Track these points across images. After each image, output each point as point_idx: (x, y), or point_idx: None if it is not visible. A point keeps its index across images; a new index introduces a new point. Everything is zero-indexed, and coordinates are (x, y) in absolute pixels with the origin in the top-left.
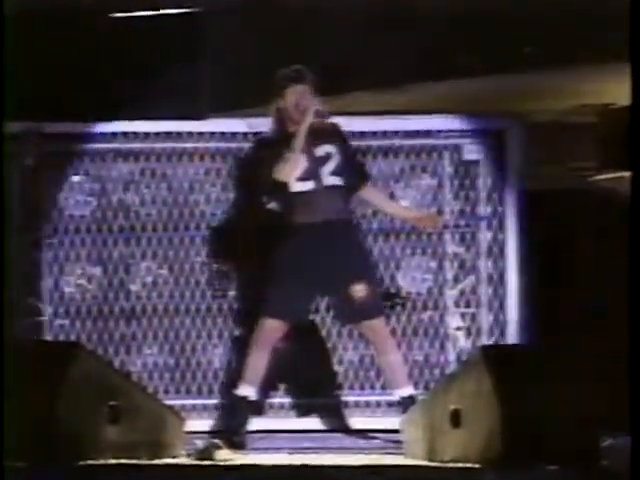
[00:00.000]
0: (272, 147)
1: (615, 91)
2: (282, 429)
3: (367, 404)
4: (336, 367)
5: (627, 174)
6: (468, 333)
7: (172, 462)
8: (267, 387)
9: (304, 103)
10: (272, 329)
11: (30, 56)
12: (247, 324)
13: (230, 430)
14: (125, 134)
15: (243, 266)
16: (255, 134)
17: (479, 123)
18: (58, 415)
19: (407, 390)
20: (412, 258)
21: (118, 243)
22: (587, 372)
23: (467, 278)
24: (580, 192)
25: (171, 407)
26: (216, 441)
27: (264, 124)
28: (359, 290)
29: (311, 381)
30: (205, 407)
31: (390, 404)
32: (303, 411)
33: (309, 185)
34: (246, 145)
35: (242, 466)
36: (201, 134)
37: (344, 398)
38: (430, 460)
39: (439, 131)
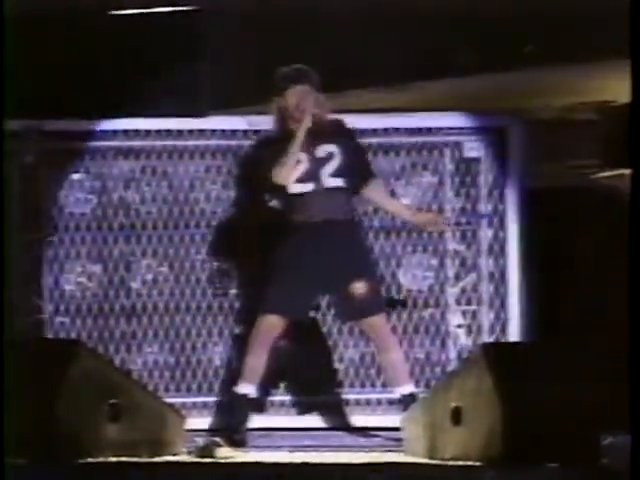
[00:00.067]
0: (273, 146)
1: (615, 88)
2: (283, 427)
3: (368, 402)
4: (337, 365)
5: (628, 172)
6: (469, 331)
7: (172, 460)
8: (268, 385)
9: (304, 103)
10: (271, 326)
11: (30, 54)
12: (247, 322)
13: (230, 428)
14: (125, 132)
15: (244, 264)
16: (255, 132)
17: (480, 121)
18: (58, 413)
19: (408, 388)
20: (413, 255)
21: (118, 241)
22: (587, 370)
23: (468, 276)
24: (581, 190)
25: (171, 405)
26: (216, 439)
27: (265, 122)
28: (359, 287)
29: (312, 379)
30: (205, 405)
31: (391, 402)
32: (304, 409)
33: (308, 187)
34: (246, 142)
35: (242, 464)
36: (202, 131)
37: (345, 396)
38: (431, 458)
39: (440, 128)
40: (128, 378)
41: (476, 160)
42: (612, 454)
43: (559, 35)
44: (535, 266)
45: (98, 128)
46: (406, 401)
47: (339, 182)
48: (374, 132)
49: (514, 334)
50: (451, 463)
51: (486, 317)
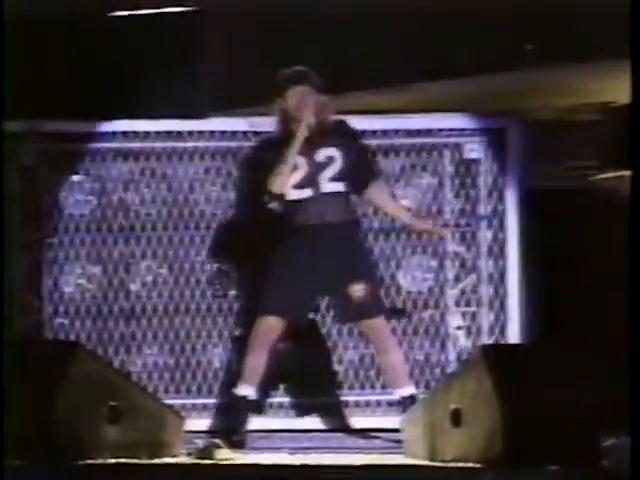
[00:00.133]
0: (273, 149)
1: (615, 89)
2: (282, 428)
3: (367, 403)
4: (336, 366)
5: (628, 173)
6: (469, 332)
7: (172, 461)
8: (267, 386)
9: (303, 104)
10: (270, 327)
11: (30, 55)
12: (247, 323)
13: (230, 429)
14: (125, 133)
15: (243, 265)
16: (256, 133)
17: (480, 122)
18: (58, 415)
19: (408, 389)
20: (413, 257)
21: (118, 242)
22: (587, 372)
23: (468, 277)
24: (581, 191)
25: (171, 407)
26: (216, 440)
27: (265, 123)
28: (358, 289)
29: (311, 380)
30: (205, 406)
31: (390, 403)
32: (303, 410)
33: (306, 193)
34: (246, 144)
35: (242, 465)
36: (201, 133)
37: (344, 397)
38: (431, 460)
39: (440, 130)
40: (128, 380)
41: (476, 161)
42: (612, 455)
43: (559, 35)
44: (535, 267)
45: (98, 130)
46: (406, 403)
47: (338, 187)
48: (374, 133)
49: (514, 335)
50: (451, 465)
51: (486, 318)
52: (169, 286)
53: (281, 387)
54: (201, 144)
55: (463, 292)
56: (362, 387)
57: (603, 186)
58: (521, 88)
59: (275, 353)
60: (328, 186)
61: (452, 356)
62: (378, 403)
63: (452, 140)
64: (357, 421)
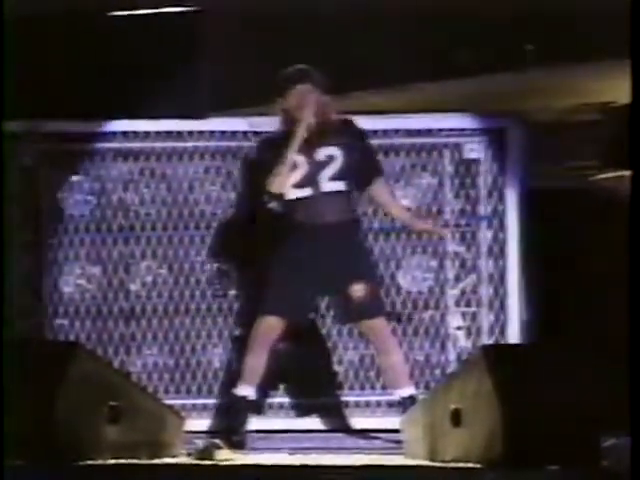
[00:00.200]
0: (274, 148)
1: (615, 89)
2: (282, 429)
3: (367, 404)
4: (336, 367)
5: (628, 173)
6: (469, 333)
7: (172, 462)
8: (267, 387)
9: (304, 103)
10: (270, 327)
11: (30, 55)
12: (247, 323)
13: (230, 430)
14: (124, 133)
15: (243, 265)
16: (256, 133)
17: (480, 122)
18: (58, 415)
19: (408, 390)
20: (413, 257)
21: (118, 243)
22: (587, 372)
23: (468, 277)
24: (581, 191)
25: (171, 407)
26: (216, 441)
27: (265, 123)
28: (358, 290)
29: (311, 381)
30: (205, 407)
31: (390, 404)
32: (303, 411)
33: (306, 192)
34: (246, 144)
35: (242, 466)
36: (201, 133)
37: (344, 398)
38: (431, 460)
39: (440, 130)
40: (127, 380)
41: (476, 161)
42: (612, 456)
43: (559, 35)
44: (535, 268)
45: (98, 130)
46: (406, 403)
47: (338, 186)
48: (374, 133)
49: (514, 336)
50: (451, 465)
51: (486, 319)
52: (169, 286)
53: (281, 387)
54: (201, 144)
55: (463, 292)
56: (362, 387)
57: (603, 186)
58: (521, 88)
59: (275, 353)
60: (328, 185)
61: (452, 356)
62: (378, 403)
63: (452, 140)
64: (357, 421)
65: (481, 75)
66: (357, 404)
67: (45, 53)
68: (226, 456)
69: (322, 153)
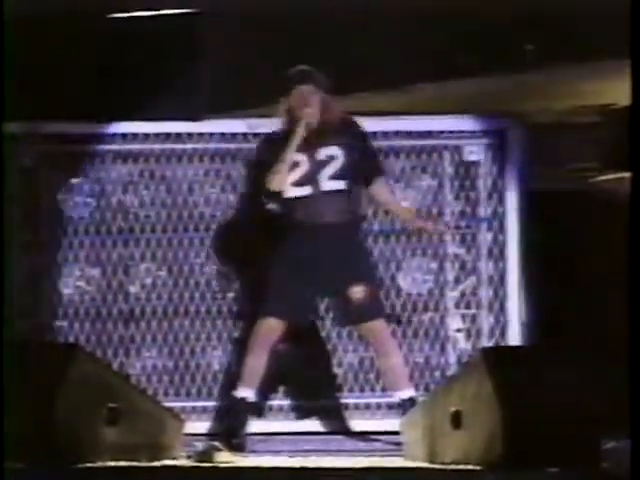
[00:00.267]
0: (275, 147)
1: (616, 91)
2: (282, 431)
3: (367, 406)
4: (336, 369)
5: (628, 175)
6: (469, 335)
7: (171, 464)
8: (267, 389)
9: (305, 104)
10: (271, 329)
11: (29, 57)
12: (247, 325)
13: (229, 432)
14: (124, 135)
15: (243, 267)
16: (255, 135)
17: (480, 124)
18: (57, 417)
19: (407, 392)
20: (413, 259)
21: (117, 245)
22: (587, 374)
23: (468, 279)
24: (581, 193)
25: (170, 409)
26: (215, 443)
27: (264, 124)
28: (357, 292)
29: (311, 383)
30: (204, 409)
31: (390, 406)
32: (303, 413)
33: (306, 190)
34: (246, 146)
35: (242, 468)
36: (200, 135)
37: (344, 400)
38: (430, 462)
39: (440, 132)
40: (127, 382)
41: (476, 163)
42: (612, 458)
43: (559, 36)
44: (535, 269)
45: (98, 131)
46: (405, 405)
47: (339, 185)
48: (374, 135)
49: (514, 338)
50: (451, 467)
51: (486, 321)
52: (168, 288)
53: (281, 390)
54: (200, 146)
55: (463, 294)
56: (362, 390)
57: (603, 188)
58: (521, 90)
59: (275, 355)
60: (328, 184)
61: (452, 358)
62: (378, 406)
63: (452, 142)
64: (357, 424)
65: (481, 76)
66: (357, 406)
67: (45, 54)
68: (226, 458)
69: (323, 152)
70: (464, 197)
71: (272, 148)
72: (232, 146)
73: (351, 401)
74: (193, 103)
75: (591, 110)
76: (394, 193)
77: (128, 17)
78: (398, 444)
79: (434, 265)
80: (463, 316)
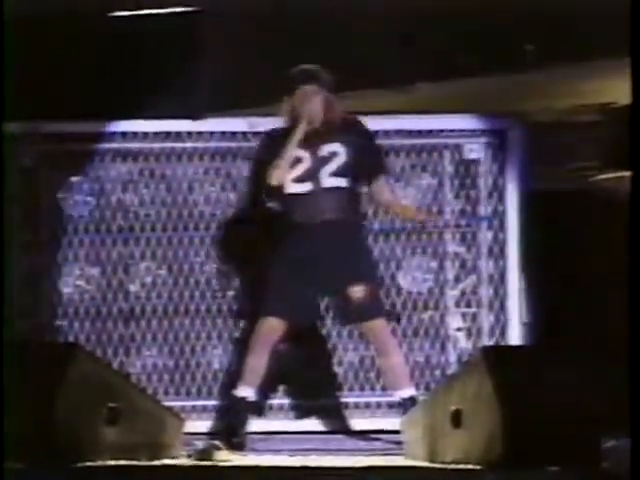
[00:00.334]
0: (277, 145)
1: (616, 90)
2: (282, 430)
3: (367, 405)
4: (336, 368)
5: (628, 174)
6: (469, 334)
7: (171, 463)
8: (267, 388)
9: (307, 104)
10: (272, 328)
11: (29, 56)
12: (247, 325)
13: (229, 431)
14: (124, 134)
15: (243, 266)
16: (255, 133)
17: (480, 122)
18: (57, 417)
19: (408, 391)
20: (413, 258)
21: (117, 244)
22: (588, 373)
23: (468, 278)
24: (581, 192)
25: (170, 408)
26: (216, 442)
27: (264, 123)
28: (357, 291)
29: (311, 382)
30: (204, 408)
31: (390, 405)
32: (303, 412)
33: (307, 187)
34: (246, 144)
35: (242, 467)
36: (200, 133)
37: (344, 399)
38: (431, 461)
39: (440, 130)
40: (127, 381)
41: (476, 162)
42: (612, 457)
43: (559, 35)
44: (535, 268)
45: (97, 130)
46: (406, 404)
47: (340, 182)
48: (374, 134)
49: (514, 337)
50: (451, 466)
51: (486, 320)
52: (168, 287)
53: (281, 389)
54: (200, 145)
55: (463, 293)
56: (362, 389)
57: (603, 187)
58: (521, 89)
59: (275, 354)
60: (329, 181)
61: (452, 358)
62: (378, 405)
63: (452, 141)
64: (357, 423)
65: (481, 75)
66: (357, 405)
67: (45, 53)
68: (226, 457)
69: (325, 149)
70: (464, 196)
71: (273, 145)
72: (232, 145)
73: (351, 400)
74: (193, 102)
75: (591, 109)
76: (396, 193)
77: (128, 16)
78: (398, 443)
79: (434, 264)
80: (463, 315)
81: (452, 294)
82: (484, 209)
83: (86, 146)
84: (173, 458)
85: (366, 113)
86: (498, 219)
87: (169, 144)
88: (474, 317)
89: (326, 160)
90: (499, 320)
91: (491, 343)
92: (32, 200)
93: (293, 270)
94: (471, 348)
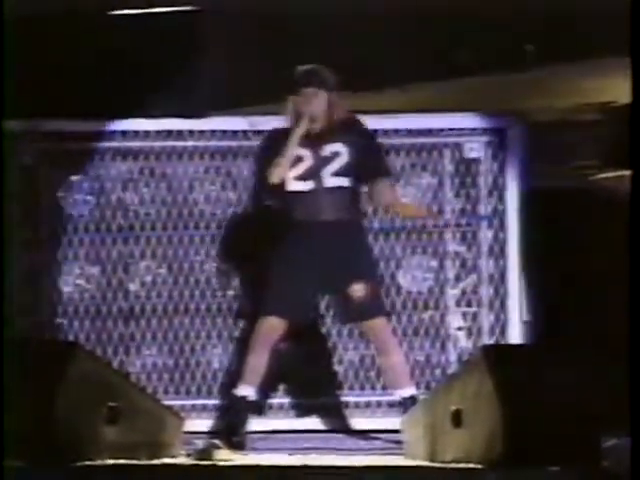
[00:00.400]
0: (278, 143)
1: (616, 89)
2: (282, 429)
3: (368, 404)
4: (336, 367)
5: (628, 173)
6: (469, 333)
7: (171, 462)
8: (267, 387)
9: (309, 105)
10: (272, 327)
11: (29, 54)
12: (247, 324)
13: (229, 430)
14: (124, 132)
15: (243, 264)
16: (256, 132)
17: (480, 121)
18: (57, 416)
19: (408, 390)
20: (413, 257)
21: (117, 242)
22: (588, 372)
23: (468, 277)
24: (581, 191)
25: (170, 407)
26: (215, 441)
27: (265, 122)
28: (358, 290)
29: (311, 381)
30: (204, 407)
31: (391, 404)
32: (303, 411)
33: (309, 185)
34: (246, 143)
35: (242, 466)
36: (201, 132)
37: (345, 398)
38: (431, 460)
39: (440, 129)
40: (127, 380)
41: (476, 161)
42: (612, 456)
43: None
44: (535, 267)
45: (98, 129)
46: (406, 404)
47: (342, 181)
48: (375, 133)
49: (514, 336)
50: (452, 466)
51: (486, 319)
52: (168, 286)
53: (281, 388)
54: (201, 143)
55: (464, 292)
56: (362, 388)
57: (603, 186)
58: (521, 88)
59: (275, 354)
60: (331, 180)
61: (453, 357)
62: (378, 404)
63: (452, 140)
64: (357, 422)
65: (481, 75)
66: (357, 404)
67: (45, 53)
68: (226, 457)
69: (328, 149)
70: (464, 195)
71: (275, 144)
72: (233, 143)
73: (351, 399)
74: (193, 100)
75: (591, 108)
76: (397, 194)
77: (128, 15)
78: (398, 442)
79: (434, 263)
80: (464, 314)
81: (452, 293)
82: (484, 208)
83: (86, 144)
84: (173, 457)
85: (367, 112)
86: (498, 218)
87: (169, 143)
88: (474, 316)
89: (328, 160)
90: (499, 319)
91: (491, 342)
92: (32, 198)
93: (293, 269)
94: (471, 347)
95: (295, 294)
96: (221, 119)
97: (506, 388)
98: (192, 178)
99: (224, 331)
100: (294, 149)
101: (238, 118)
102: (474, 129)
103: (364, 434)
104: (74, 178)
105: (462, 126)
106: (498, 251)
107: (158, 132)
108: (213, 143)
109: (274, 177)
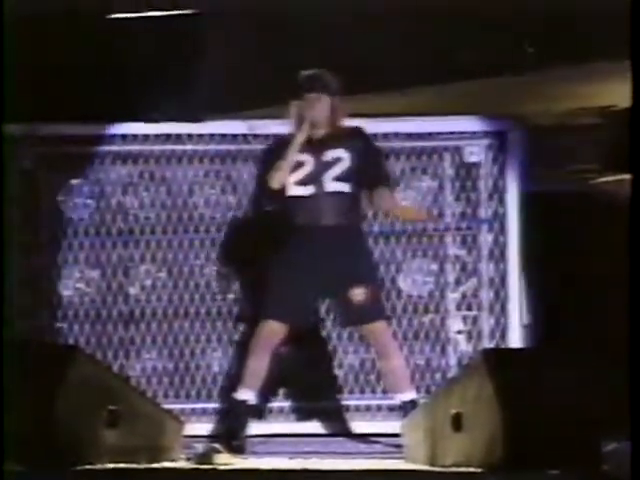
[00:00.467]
0: (281, 150)
1: (616, 93)
2: (282, 433)
3: (368, 408)
4: (336, 371)
5: (628, 177)
6: (469, 336)
7: (171, 466)
8: (267, 391)
9: (311, 111)
10: (272, 331)
11: (29, 58)
12: (247, 328)
13: (229, 434)
14: (124, 136)
15: (243, 268)
16: (255, 136)
17: (480, 125)
18: (57, 419)
19: (409, 394)
20: (413, 261)
21: (117, 246)
22: (588, 376)
23: (468, 281)
24: (581, 194)
25: (170, 411)
26: (215, 445)
27: (265, 126)
28: (358, 294)
29: (311, 385)
30: (204, 411)
31: (391, 408)
32: (303, 415)
33: (309, 190)
34: (246, 147)
35: (242, 470)
36: (201, 136)
37: (345, 402)
38: (431, 464)
39: (440, 133)
40: (126, 384)
41: (476, 164)
42: (613, 460)
43: (559, 37)
44: (535, 271)
45: (97, 132)
46: (406, 407)
47: (343, 187)
48: (374, 137)
49: (515, 340)
50: (452, 470)
51: (486, 322)
52: (168, 290)
53: (281, 391)
54: (200, 147)
55: (464, 296)
56: (362, 391)
57: (603, 190)
58: (521, 91)
59: (276, 358)
60: (332, 185)
61: (453, 360)
62: (379, 408)
63: (452, 143)
64: (357, 426)
65: (481, 78)
66: (357, 408)
67: (45, 54)
68: (226, 460)
69: (330, 154)
70: (464, 198)
71: (276, 149)
72: (232, 147)
73: (352, 403)
74: (193, 104)
75: (591, 112)
76: (397, 200)
77: (128, 18)
78: (399, 446)
79: (435, 267)
80: (464, 318)
81: (453, 297)
82: (484, 212)
83: (86, 148)
84: (173, 461)
85: (366, 115)
86: (498, 221)
87: (169, 146)
88: (475, 320)
89: (330, 165)
90: (499, 323)
91: (492, 346)
92: (32, 202)
93: (294, 273)
94: (471, 351)
95: (295, 298)
96: (221, 123)
97: (506, 392)
98: (192, 182)
99: (224, 335)
100: (295, 154)
101: (237, 122)
102: (474, 133)
103: (364, 438)
104: (74, 182)
105: (462, 129)
106: (498, 255)
107: (158, 136)
108: (213, 147)
109: (274, 182)
